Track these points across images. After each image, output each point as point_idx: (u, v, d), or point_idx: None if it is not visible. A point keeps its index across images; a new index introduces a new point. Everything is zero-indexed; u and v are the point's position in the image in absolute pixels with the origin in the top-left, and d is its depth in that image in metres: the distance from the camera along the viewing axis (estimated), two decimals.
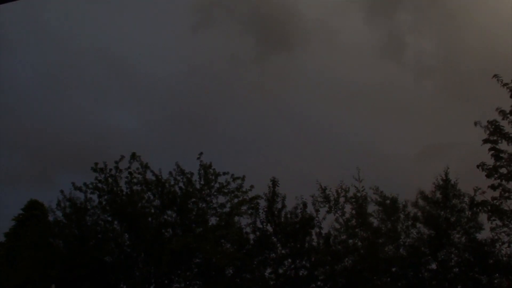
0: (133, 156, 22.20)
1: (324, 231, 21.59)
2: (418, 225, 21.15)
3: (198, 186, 21.83)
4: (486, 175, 16.21)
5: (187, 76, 56.14)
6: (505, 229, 17.55)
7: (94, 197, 22.10)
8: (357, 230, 21.38)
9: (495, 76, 16.03)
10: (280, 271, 21.21)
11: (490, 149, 16.41)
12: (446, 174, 21.01)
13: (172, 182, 22.04)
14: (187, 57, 58.34)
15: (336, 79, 55.55)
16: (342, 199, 21.80)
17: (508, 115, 16.14)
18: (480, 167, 16.27)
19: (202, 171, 21.97)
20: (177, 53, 59.88)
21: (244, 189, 21.69)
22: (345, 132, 45.36)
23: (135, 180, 22.08)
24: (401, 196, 21.78)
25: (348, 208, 21.78)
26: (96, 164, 22.19)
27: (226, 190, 21.78)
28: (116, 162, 22.11)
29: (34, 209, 22.94)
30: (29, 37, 59.55)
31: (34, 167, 42.18)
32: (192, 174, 22.06)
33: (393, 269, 20.90)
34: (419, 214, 21.13)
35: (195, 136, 47.56)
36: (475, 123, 16.52)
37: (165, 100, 54.24)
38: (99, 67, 57.63)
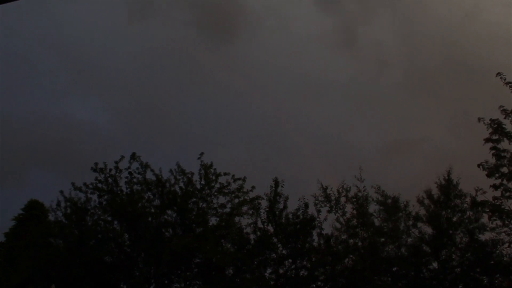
0: (133, 156, 22.18)
1: (325, 231, 21.56)
2: (419, 224, 21.09)
3: (198, 186, 21.79)
4: (486, 175, 16.07)
5: (138, 67, 55.48)
6: (506, 229, 17.43)
7: (94, 197, 22.12)
8: (357, 230, 21.30)
9: (499, 74, 15.84)
10: (281, 271, 21.14)
11: (491, 149, 16.25)
12: (449, 174, 20.96)
13: (173, 182, 22.01)
14: (132, 48, 57.67)
15: (290, 70, 55.03)
16: (343, 199, 21.78)
17: (510, 114, 15.98)
18: (481, 166, 16.12)
19: (202, 171, 21.92)
20: (122, 44, 59.14)
21: (245, 190, 21.66)
22: (307, 124, 45.15)
23: (135, 180, 22.05)
24: (403, 194, 21.79)
25: (349, 208, 21.76)
26: (96, 164, 22.17)
27: (226, 191, 21.73)
28: (116, 162, 22.08)
29: (34, 209, 22.87)
30: None
31: (1, 164, 41.71)
32: (192, 174, 22.02)
33: (394, 269, 20.83)
34: (421, 213, 21.08)
35: (154, 127, 47.37)
36: (479, 119, 16.28)
37: (122, 93, 53.87)
38: (55, 59, 56.83)
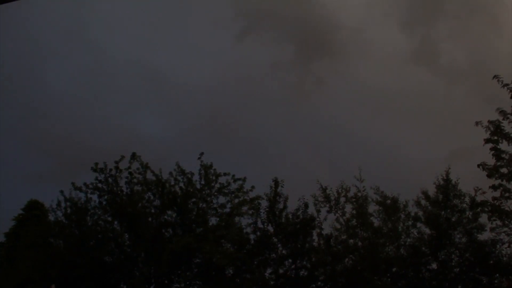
0: (133, 156, 22.20)
1: (324, 231, 21.62)
2: (418, 225, 21.17)
3: (198, 186, 21.83)
4: (487, 175, 16.18)
5: (224, 84, 56.36)
6: (505, 229, 17.52)
7: (94, 197, 22.15)
8: (357, 230, 21.36)
9: (495, 76, 15.99)
10: (281, 271, 21.18)
11: (491, 149, 16.36)
12: (447, 174, 21.03)
13: (173, 182, 22.05)
14: (219, 66, 58.53)
15: (369, 86, 56.10)
16: (342, 199, 21.83)
17: (509, 116, 16.10)
18: (481, 167, 16.23)
19: (202, 171, 21.96)
20: (217, 63, 59.88)
21: (245, 190, 21.71)
22: (376, 136, 45.78)
23: (135, 180, 22.07)
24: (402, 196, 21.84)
25: (348, 208, 21.81)
26: (96, 164, 22.18)
27: (226, 191, 21.77)
28: (116, 162, 22.10)
29: (34, 209, 22.90)
30: (67, 44, 60.51)
31: (63, 172, 42.04)
32: (192, 174, 22.05)
33: (394, 269, 20.88)
34: (420, 214, 21.14)
35: (226, 144, 47.76)
36: (477, 123, 16.46)
37: (196, 109, 54.44)
38: (134, 77, 58.01)
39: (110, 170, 22.05)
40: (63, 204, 22.09)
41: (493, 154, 16.06)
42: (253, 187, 21.75)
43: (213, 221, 21.68)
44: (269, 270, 21.30)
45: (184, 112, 55.56)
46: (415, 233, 21.17)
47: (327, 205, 21.72)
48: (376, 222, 21.62)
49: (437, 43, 58.79)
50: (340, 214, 21.73)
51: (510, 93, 15.95)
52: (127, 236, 22.16)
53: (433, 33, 58.37)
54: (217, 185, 21.86)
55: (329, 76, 58.79)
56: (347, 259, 21.10)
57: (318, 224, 21.51)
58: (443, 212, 20.75)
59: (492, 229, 18.24)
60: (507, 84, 15.94)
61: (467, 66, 56.55)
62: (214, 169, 22.07)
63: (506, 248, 18.84)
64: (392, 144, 43.57)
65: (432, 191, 21.34)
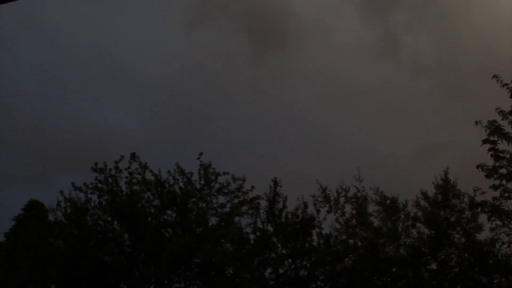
0: (133, 156, 22.23)
1: (324, 231, 21.65)
2: (418, 225, 21.19)
3: (198, 186, 21.86)
4: (485, 176, 16.19)
5: (182, 75, 56.32)
6: (505, 229, 17.54)
7: (94, 197, 22.17)
8: (357, 230, 21.39)
9: (495, 76, 15.99)
10: (281, 271, 21.21)
11: (489, 150, 16.39)
12: (446, 174, 21.06)
13: (172, 182, 22.07)
14: (182, 56, 58.58)
15: (332, 78, 55.70)
16: (342, 199, 21.86)
17: (508, 115, 16.12)
18: (480, 168, 16.24)
19: (202, 171, 21.99)
20: (171, 52, 59.87)
21: (244, 190, 21.74)
22: (343, 131, 45.57)
23: (134, 180, 22.10)
24: (401, 196, 21.90)
25: (348, 208, 21.84)
26: (96, 164, 22.22)
27: (226, 191, 21.80)
28: (116, 162, 22.15)
29: (34, 209, 22.87)
30: (27, 36, 59.54)
31: (32, 167, 42.15)
32: (192, 174, 22.08)
33: (393, 269, 20.90)
34: (419, 214, 21.17)
35: (192, 135, 47.84)
36: (476, 123, 16.45)
37: (162, 100, 54.45)
38: (96, 66, 57.52)
39: (110, 170, 22.08)
40: (63, 204, 22.11)
41: (491, 155, 16.07)
42: (253, 187, 21.82)
43: (213, 221, 21.75)
44: (269, 270, 21.35)
45: (149, 103, 55.35)
46: (415, 233, 21.21)
47: (327, 205, 21.77)
48: (375, 222, 21.67)
49: (398, 35, 58.16)
50: (340, 214, 21.78)
51: (510, 93, 15.97)
52: (127, 236, 22.19)
53: (392, 24, 57.73)
54: (217, 185, 21.90)
55: (285, 68, 57.65)
56: (347, 259, 21.13)
57: (318, 224, 21.56)
58: (442, 212, 20.78)
59: (491, 229, 18.26)
60: (506, 84, 15.96)
61: (431, 59, 56.01)
62: (213, 169, 22.11)
63: (505, 248, 18.87)
64: (365, 139, 43.40)
65: (431, 191, 21.40)
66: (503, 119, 16.12)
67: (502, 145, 16.29)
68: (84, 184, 22.06)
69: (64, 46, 58.22)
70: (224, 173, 22.10)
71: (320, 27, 59.90)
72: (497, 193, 16.06)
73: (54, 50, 58.99)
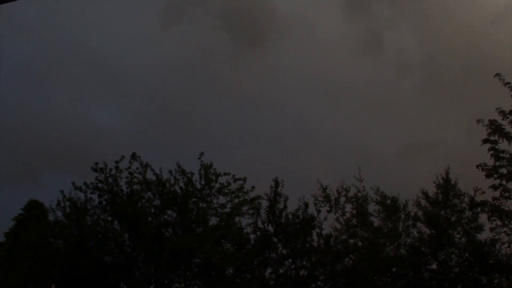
0: (133, 156, 22.21)
1: (324, 231, 21.65)
2: (418, 225, 21.18)
3: (198, 186, 21.84)
4: (485, 175, 16.16)
5: (164, 72, 56.05)
6: (505, 229, 17.52)
7: (94, 197, 22.14)
8: (357, 230, 21.39)
9: (497, 75, 15.92)
10: (281, 271, 21.20)
11: (489, 149, 16.35)
12: (447, 173, 21.04)
13: (172, 182, 22.05)
14: (162, 54, 58.14)
15: (315, 75, 55.26)
16: (342, 199, 21.87)
17: (508, 115, 16.08)
18: (480, 167, 16.22)
19: (202, 171, 21.97)
20: (152, 50, 59.43)
21: (245, 190, 21.72)
22: (327, 128, 45.43)
23: (135, 180, 22.07)
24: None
25: (348, 208, 21.84)
26: (96, 164, 22.19)
27: (226, 191, 21.77)
28: (116, 162, 22.11)
29: (34, 209, 22.89)
30: (7, 32, 58.57)
31: (18, 166, 41.85)
32: (192, 174, 22.06)
33: (394, 269, 20.90)
34: (419, 214, 21.16)
35: (177, 133, 47.90)
36: (478, 121, 16.38)
37: (147, 98, 54.28)
38: (80, 63, 56.98)
39: (110, 170, 22.06)
40: (63, 204, 22.09)
41: (491, 155, 16.04)
42: (253, 187, 21.78)
43: (213, 221, 21.71)
44: (269, 270, 21.35)
45: (134, 101, 55.37)
46: (415, 233, 21.21)
47: (327, 205, 21.76)
48: (376, 222, 21.67)
49: (381, 31, 57.62)
50: (340, 214, 21.78)
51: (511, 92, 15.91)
52: (127, 236, 22.15)
53: (375, 20, 57.15)
54: (217, 185, 21.87)
55: (266, 65, 57.31)
56: (347, 259, 21.13)
57: (318, 224, 21.56)
58: (442, 212, 20.77)
59: (491, 229, 18.24)
60: (508, 83, 15.91)
61: (416, 57, 55.56)
62: (214, 169, 22.09)
63: (505, 248, 18.87)
64: (351, 137, 43.18)
65: (431, 190, 21.39)
66: (503, 119, 16.09)
67: (503, 145, 16.28)
68: (84, 183, 22.04)
69: (47, 42, 57.68)
70: (225, 174, 22.08)
71: (302, 22, 59.16)
72: (497, 193, 16.04)
73: (37, 46, 58.38)
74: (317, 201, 21.66)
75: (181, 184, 21.96)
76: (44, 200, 23.71)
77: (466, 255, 20.08)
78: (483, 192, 17.97)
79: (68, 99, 53.54)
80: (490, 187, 16.20)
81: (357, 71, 56.87)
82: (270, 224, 21.55)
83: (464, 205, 20.58)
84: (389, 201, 21.62)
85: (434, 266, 20.73)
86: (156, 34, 59.46)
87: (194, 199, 21.73)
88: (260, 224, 21.64)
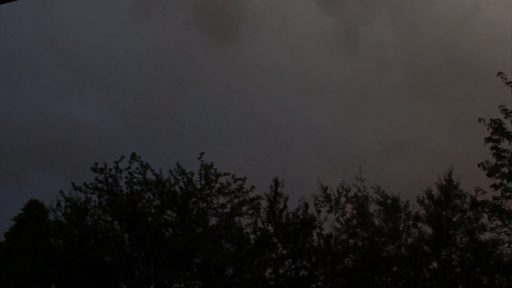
0: (133, 156, 22.18)
1: (325, 231, 21.55)
2: (419, 224, 21.07)
3: (198, 186, 21.78)
4: (487, 174, 16.03)
5: (138, 67, 55.82)
6: (505, 229, 17.39)
7: (94, 197, 22.12)
8: (358, 230, 21.29)
9: (500, 74, 15.76)
10: (281, 271, 21.13)
11: (492, 148, 16.21)
12: (450, 174, 20.92)
13: (172, 182, 22.01)
14: (133, 48, 57.85)
15: (290, 70, 54.52)
16: (343, 199, 21.76)
17: (511, 114, 15.93)
18: (481, 166, 16.08)
19: (203, 171, 21.92)
20: (123, 44, 58.78)
21: (244, 190, 21.65)
22: (307, 123, 45.04)
23: (135, 180, 22.05)
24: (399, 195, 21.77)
25: (349, 208, 21.73)
26: (96, 164, 22.18)
27: (226, 191, 21.71)
28: (116, 162, 22.09)
29: (34, 209, 22.89)
30: None
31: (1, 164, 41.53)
32: (192, 174, 22.01)
33: (394, 269, 20.81)
34: (421, 213, 21.07)
35: (154, 127, 47.59)
36: (479, 120, 16.23)
37: (124, 93, 54.04)
38: (53, 59, 56.48)
39: (110, 170, 22.04)
40: (63, 204, 22.09)
41: (493, 154, 15.90)
42: (253, 187, 21.72)
43: (213, 221, 21.67)
44: (269, 270, 21.28)
45: (111, 97, 55.30)
46: (416, 233, 21.09)
47: (328, 205, 21.66)
48: (376, 221, 21.55)
49: (357, 26, 56.63)
50: (341, 214, 21.67)
51: None
52: (127, 236, 22.13)
53: (350, 14, 56.06)
54: (217, 185, 21.82)
55: (239, 59, 57.02)
56: (347, 259, 21.02)
57: (318, 224, 21.47)
58: (444, 212, 20.65)
59: (492, 229, 18.11)
60: (510, 82, 15.76)
61: (393, 52, 54.69)
62: (215, 169, 22.04)
63: (506, 248, 18.74)
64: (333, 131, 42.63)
65: (433, 191, 21.26)
66: (506, 117, 15.93)
67: (504, 145, 16.13)
68: (84, 184, 22.03)
69: (23, 39, 57.30)
70: (225, 174, 22.03)
71: (275, 16, 58.27)
72: (498, 193, 15.90)
73: (14, 44, 57.86)
74: (317, 201, 21.57)
75: (181, 184, 21.93)
76: (29, 198, 23.66)
77: (468, 255, 19.95)
78: (485, 192, 17.86)
79: (45, 95, 53.26)
80: (491, 186, 16.07)
81: (334, 66, 56.19)
82: (270, 224, 21.48)
83: (465, 205, 20.46)
84: (389, 201, 21.50)
85: (435, 265, 20.61)
86: (127, 29, 59.12)
87: (194, 199, 21.69)
88: (260, 224, 21.60)
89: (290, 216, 21.53)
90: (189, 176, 22.01)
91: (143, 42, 58.90)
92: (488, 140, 16.26)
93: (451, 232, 20.30)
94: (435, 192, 21.14)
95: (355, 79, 52.93)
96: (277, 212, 21.49)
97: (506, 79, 15.75)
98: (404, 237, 20.99)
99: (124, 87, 55.07)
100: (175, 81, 56.40)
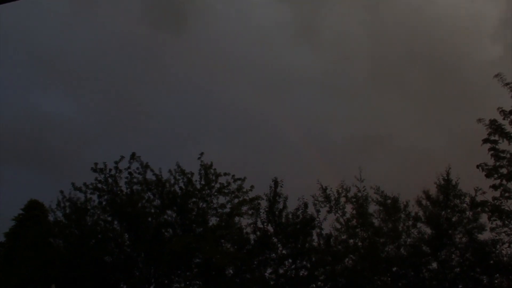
0: (133, 156, 22.21)
1: (324, 231, 21.61)
2: (419, 224, 21.13)
3: (198, 186, 21.82)
4: (485, 175, 16.13)
5: (92, 58, 54.77)
6: (505, 229, 17.49)
7: (94, 197, 22.15)
8: (357, 230, 21.35)
9: (497, 75, 15.89)
10: (281, 271, 21.17)
11: (490, 149, 16.32)
12: (448, 173, 20.98)
13: (172, 182, 22.04)
14: (80, 40, 57.29)
15: (252, 61, 53.57)
16: (343, 199, 21.82)
17: (509, 115, 16.04)
18: (480, 167, 16.18)
19: (202, 171, 21.96)
20: (72, 35, 58.12)
21: (244, 190, 21.71)
22: (278, 117, 44.73)
23: (135, 180, 22.08)
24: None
25: (348, 208, 21.79)
26: (95, 164, 22.21)
27: (226, 191, 21.76)
28: (116, 162, 22.12)
29: (34, 209, 22.85)
30: None
31: None
32: (192, 174, 22.05)
33: (394, 269, 20.86)
34: (420, 214, 21.12)
35: (121, 118, 47.30)
36: (478, 120, 16.33)
37: (91, 86, 53.45)
38: (17, 51, 55.49)
39: (110, 170, 22.07)
40: (62, 204, 22.09)
41: (491, 155, 16.01)
42: (252, 186, 21.77)
43: (213, 221, 21.71)
44: (269, 270, 21.31)
45: (77, 89, 55.02)
46: (415, 233, 21.15)
47: (327, 205, 21.72)
48: (376, 222, 21.61)
49: (317, 16, 55.50)
50: (340, 214, 21.73)
51: (511, 93, 15.88)
52: (127, 236, 22.16)
53: (310, 4, 55.07)
54: (217, 185, 21.86)
55: (192, 49, 56.03)
56: (347, 259, 21.08)
57: (318, 224, 21.52)
58: (443, 212, 20.73)
59: (492, 229, 18.21)
60: (508, 84, 15.88)
61: (357, 43, 53.75)
62: (214, 169, 22.09)
63: (506, 248, 18.82)
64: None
65: (432, 191, 21.32)
66: (504, 118, 16.05)
67: (503, 145, 16.24)
68: (84, 184, 22.06)
69: None
70: (225, 174, 22.08)
71: (232, 5, 57.16)
72: (497, 193, 16.01)
73: None
74: (316, 202, 21.63)
75: (181, 184, 21.96)
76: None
77: (467, 255, 20.02)
78: (484, 192, 17.96)
79: (10, 88, 52.84)
80: (490, 187, 16.18)
81: (294, 58, 55.29)
82: (269, 224, 21.53)
83: (465, 205, 20.53)
84: (389, 201, 21.57)
85: (434, 266, 20.68)
86: (70, 21, 58.55)
87: (194, 199, 21.73)
88: (259, 224, 21.65)
89: (290, 216, 21.59)
90: (189, 176, 22.06)
91: (85, 35, 58.04)
92: (485, 141, 16.37)
93: (450, 232, 20.37)
94: (433, 192, 21.22)
95: (321, 72, 52.02)
96: (276, 212, 21.54)
97: (504, 80, 15.87)
98: (403, 237, 21.06)
99: (87, 78, 54.56)
100: (135, 72, 55.82)
